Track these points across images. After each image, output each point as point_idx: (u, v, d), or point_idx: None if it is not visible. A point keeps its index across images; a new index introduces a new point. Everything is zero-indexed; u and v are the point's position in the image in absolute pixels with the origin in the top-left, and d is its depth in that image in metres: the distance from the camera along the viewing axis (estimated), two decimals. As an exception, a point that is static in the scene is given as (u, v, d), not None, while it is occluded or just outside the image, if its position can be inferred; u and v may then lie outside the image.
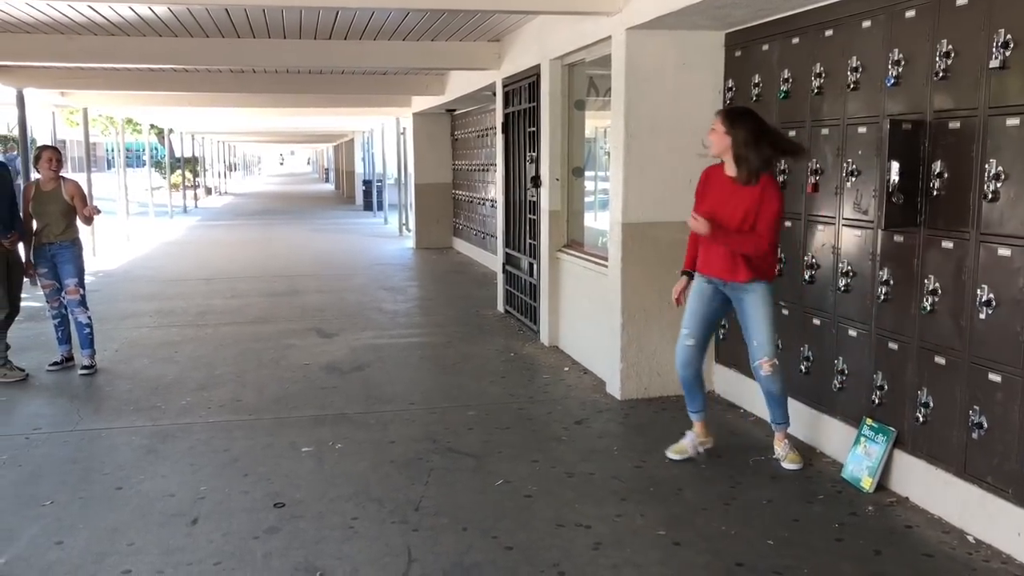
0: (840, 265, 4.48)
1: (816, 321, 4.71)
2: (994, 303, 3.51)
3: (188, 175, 30.14)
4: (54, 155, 6.53)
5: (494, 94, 9.33)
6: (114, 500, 4.18)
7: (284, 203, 30.77)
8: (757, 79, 5.21)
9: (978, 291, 3.58)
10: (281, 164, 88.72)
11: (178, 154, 29.90)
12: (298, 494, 4.23)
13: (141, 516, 3.99)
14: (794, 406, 4.92)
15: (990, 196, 3.49)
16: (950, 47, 3.71)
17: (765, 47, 5.14)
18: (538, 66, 7.41)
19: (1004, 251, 3.46)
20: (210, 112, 18.17)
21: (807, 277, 4.73)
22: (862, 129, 4.31)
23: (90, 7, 6.74)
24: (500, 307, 9.21)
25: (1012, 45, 3.39)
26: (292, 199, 33.67)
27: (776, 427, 4.61)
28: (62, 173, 6.61)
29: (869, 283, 4.27)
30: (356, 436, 5.10)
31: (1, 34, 7.93)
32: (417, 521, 3.89)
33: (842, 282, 4.46)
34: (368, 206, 25.07)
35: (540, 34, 7.34)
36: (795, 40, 4.84)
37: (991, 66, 3.47)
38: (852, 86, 4.32)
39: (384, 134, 21.71)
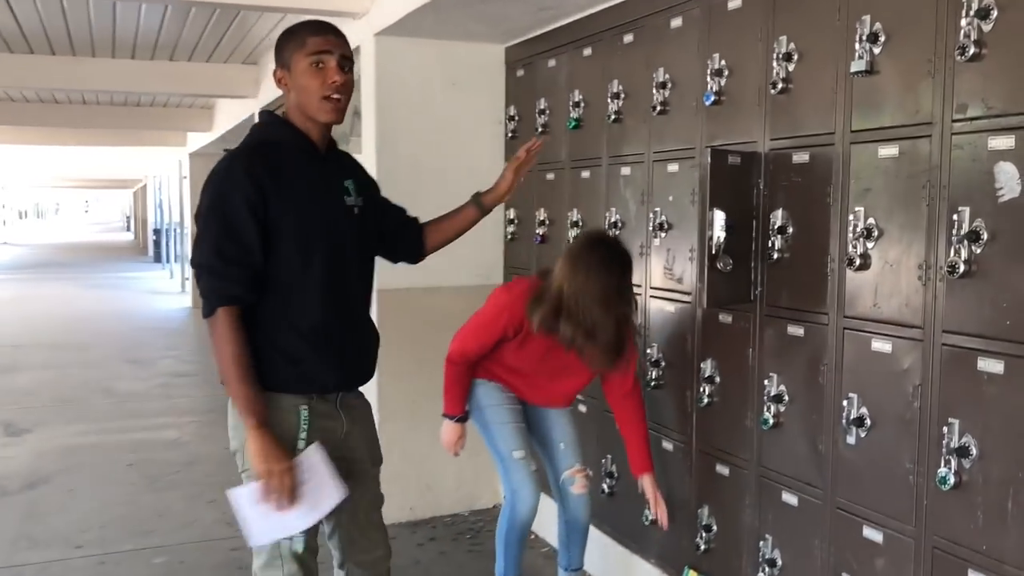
0: (649, 351, 3.27)
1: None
2: (869, 422, 2.35)
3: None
4: None
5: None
6: None
7: (70, 254, 27.60)
8: (543, 104, 4.00)
9: (844, 401, 2.41)
10: (86, 211, 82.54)
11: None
12: None
13: None
14: (596, 538, 3.64)
15: (858, 262, 2.34)
16: (792, 46, 2.58)
17: (552, 62, 3.95)
18: (291, 91, 5.98)
19: (882, 344, 2.30)
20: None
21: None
22: (672, 167, 3.15)
23: None
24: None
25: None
26: (82, 250, 30.40)
27: (572, 574, 3.31)
28: None
29: (689, 379, 3.07)
30: (-38, 615, 3.42)
31: None
32: None
33: (652, 374, 3.24)
34: (158, 257, 22.66)
35: (294, 52, 5.93)
36: (587, 51, 3.67)
37: (852, 71, 2.35)
38: (659, 108, 3.16)
39: (170, 178, 19.59)
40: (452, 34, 4.15)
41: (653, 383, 3.22)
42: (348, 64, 2.19)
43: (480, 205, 2.60)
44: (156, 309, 13.37)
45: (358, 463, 2.36)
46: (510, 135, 4.32)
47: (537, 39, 4.06)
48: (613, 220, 3.45)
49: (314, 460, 2.16)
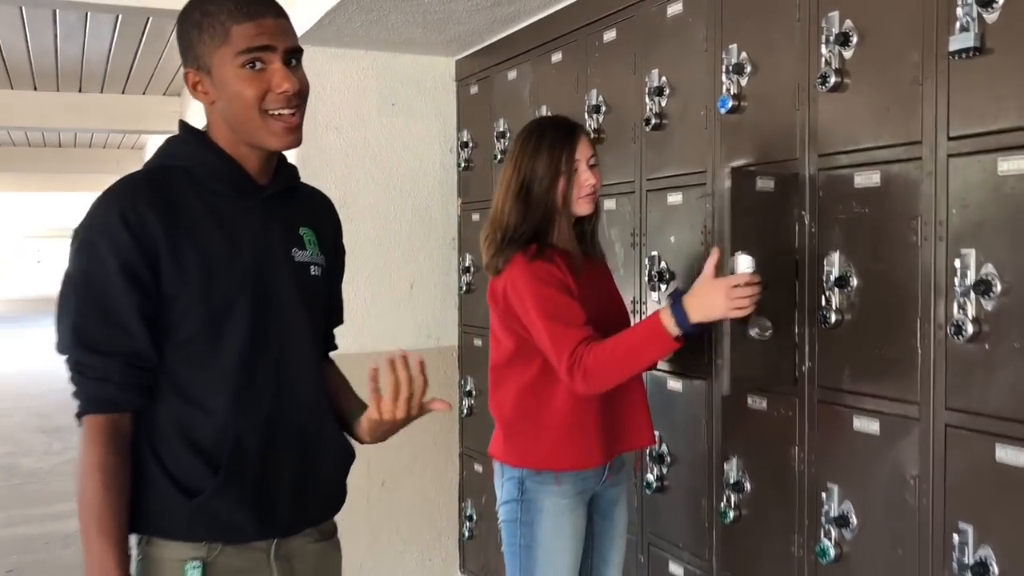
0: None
1: (612, 534, 2.66)
2: (996, 570, 1.57)
3: None
4: None
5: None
6: None
7: (14, 308, 26.30)
8: (503, 126, 3.24)
9: (954, 535, 1.64)
10: (39, 263, 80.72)
11: None
12: None
13: None
14: None
15: (970, 330, 1.58)
16: (848, 23, 1.85)
17: (512, 74, 3.20)
18: (211, 122, 5.21)
19: (1016, 454, 1.54)
20: None
21: (593, 454, 2.68)
22: (674, 197, 2.39)
23: None
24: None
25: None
26: (29, 303, 29.05)
27: None
28: None
29: (706, 484, 2.28)
30: None
31: None
32: None
33: (654, 473, 2.45)
34: (105, 309, 21.63)
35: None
36: (556, 56, 2.93)
37: (951, 49, 1.61)
38: (654, 122, 2.41)
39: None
40: (388, 43, 3.40)
41: (655, 484, 2.43)
42: (296, 56, 1.43)
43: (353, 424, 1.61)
44: (90, 367, 12.35)
45: None
46: (463, 165, 3.55)
47: (493, 47, 3.32)
48: (594, 268, 2.67)
49: None
